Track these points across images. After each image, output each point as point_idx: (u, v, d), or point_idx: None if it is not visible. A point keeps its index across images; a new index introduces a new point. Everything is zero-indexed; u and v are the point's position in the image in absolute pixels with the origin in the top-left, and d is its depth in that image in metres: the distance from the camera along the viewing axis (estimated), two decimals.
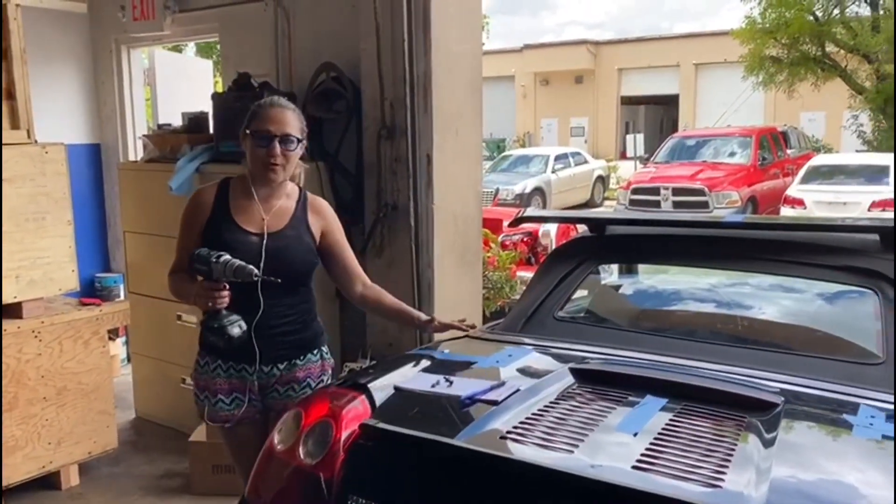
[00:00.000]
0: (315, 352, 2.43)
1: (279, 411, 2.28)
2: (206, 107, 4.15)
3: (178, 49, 10.25)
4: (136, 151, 5.27)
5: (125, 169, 4.44)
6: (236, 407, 2.34)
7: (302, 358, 2.39)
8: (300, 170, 2.41)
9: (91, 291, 5.18)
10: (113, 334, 4.74)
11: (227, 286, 2.13)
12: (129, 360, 4.96)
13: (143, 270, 4.20)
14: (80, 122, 5.32)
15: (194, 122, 4.15)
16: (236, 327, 2.14)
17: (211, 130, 4.02)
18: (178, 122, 4.42)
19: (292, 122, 2.26)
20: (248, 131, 2.26)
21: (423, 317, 2.57)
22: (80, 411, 3.52)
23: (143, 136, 4.59)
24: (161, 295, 4.01)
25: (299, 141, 2.28)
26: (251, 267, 2.10)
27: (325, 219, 2.42)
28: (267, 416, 2.39)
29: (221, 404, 2.34)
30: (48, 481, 3.49)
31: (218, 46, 5.46)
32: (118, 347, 5.12)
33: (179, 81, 5.60)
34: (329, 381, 2.43)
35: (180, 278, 2.31)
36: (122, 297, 5.16)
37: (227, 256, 2.12)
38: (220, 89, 5.15)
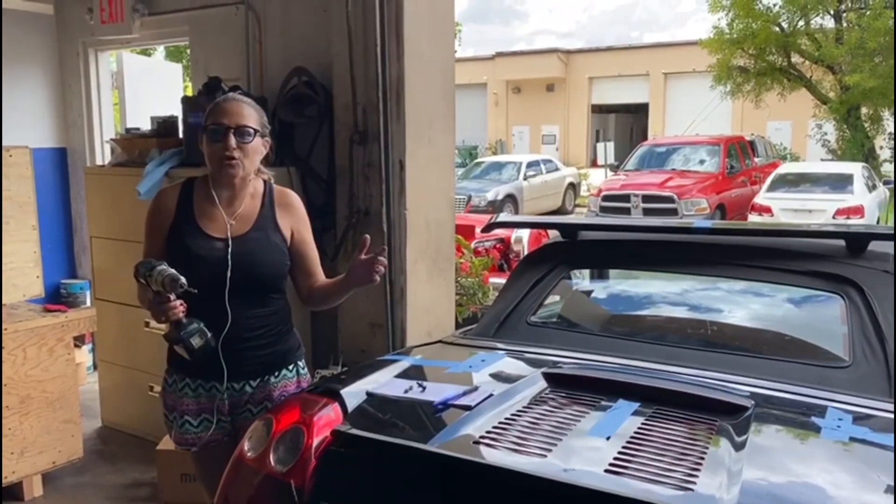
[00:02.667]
0: (290, 367, 2.29)
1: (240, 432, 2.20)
2: (176, 111, 4.09)
3: (146, 53, 10.14)
4: (103, 156, 5.19)
5: (92, 173, 4.36)
6: (204, 429, 2.22)
7: (276, 374, 2.25)
8: (267, 177, 2.28)
9: (57, 298, 5.08)
10: (79, 341, 4.65)
11: (172, 297, 1.98)
12: (95, 367, 4.87)
13: (111, 276, 4.13)
14: (46, 125, 5.23)
15: (163, 126, 4.09)
16: (197, 337, 2.01)
17: (181, 135, 3.97)
18: (146, 126, 4.36)
19: (248, 113, 2.12)
20: (202, 131, 2.14)
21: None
22: (45, 420, 3.44)
23: (111, 139, 4.52)
24: (128, 301, 3.94)
25: (256, 132, 2.13)
26: (178, 276, 1.94)
27: (294, 215, 2.28)
28: (236, 437, 2.24)
29: (188, 426, 2.21)
30: (10, 492, 3.40)
31: (188, 50, 5.40)
32: (84, 355, 5.03)
33: (148, 85, 5.53)
34: None
35: (142, 288, 2.14)
36: (88, 303, 5.07)
37: (163, 266, 1.97)
38: (189, 93, 5.08)
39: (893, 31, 14.45)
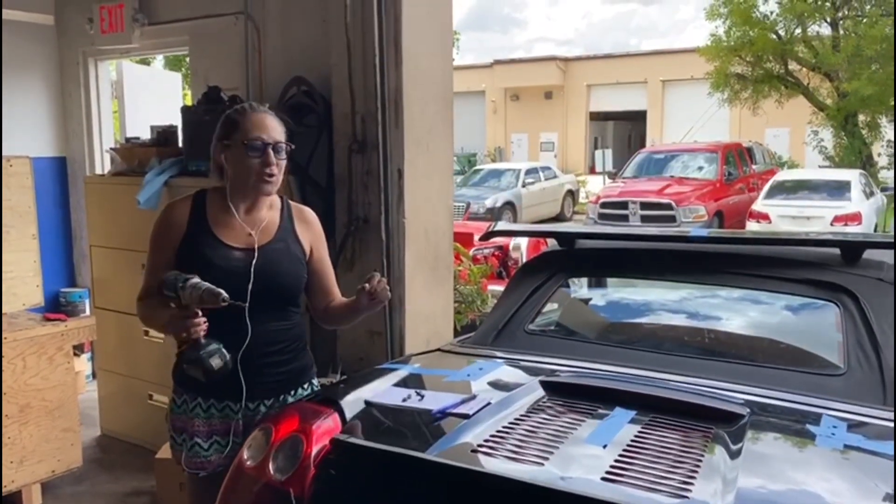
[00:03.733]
0: (306, 386, 2.21)
1: None
2: (175, 120, 4.11)
3: (145, 62, 10.17)
4: (103, 165, 5.20)
5: (92, 182, 4.38)
6: (215, 452, 2.11)
7: (293, 393, 2.17)
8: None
9: (56, 307, 5.09)
10: (78, 350, 4.66)
11: (200, 312, 1.91)
12: (94, 376, 4.87)
13: (110, 285, 4.14)
14: (46, 134, 5.25)
15: (163, 136, 4.11)
16: (217, 358, 1.90)
17: (180, 144, 3.99)
18: (146, 135, 4.38)
19: (280, 127, 2.08)
20: (226, 142, 2.05)
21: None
22: (44, 429, 3.45)
23: (111, 149, 4.54)
24: (128, 310, 3.94)
25: (286, 147, 2.09)
26: (220, 290, 1.86)
27: (313, 231, 2.23)
28: None
29: (198, 448, 2.11)
30: (10, 501, 3.40)
31: (187, 59, 5.43)
32: (83, 363, 5.03)
33: (148, 94, 5.55)
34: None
35: (151, 305, 2.07)
36: (87, 312, 5.08)
37: (196, 280, 1.88)
38: (189, 102, 5.11)
39: (893, 38, 14.49)
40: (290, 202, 2.24)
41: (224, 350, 1.93)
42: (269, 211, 2.16)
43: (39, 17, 5.03)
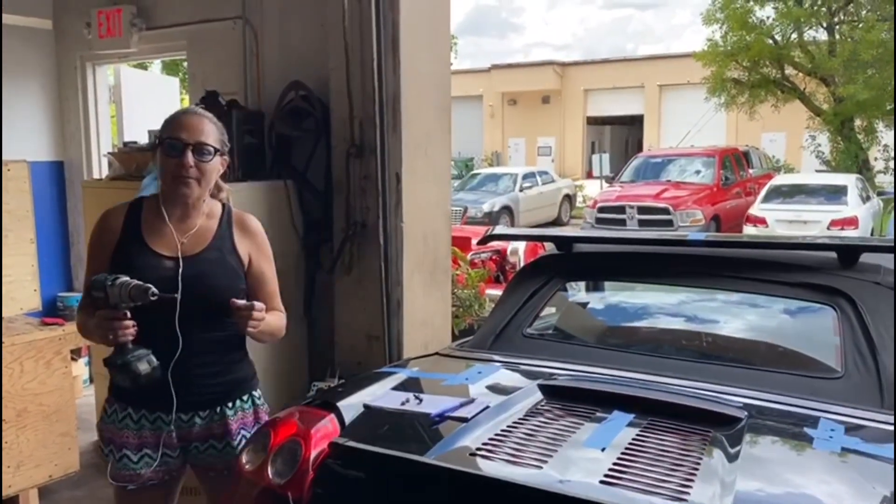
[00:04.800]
0: (246, 397, 2.13)
1: (205, 471, 2.12)
2: None
3: (143, 66, 10.17)
4: (100, 169, 5.20)
5: (89, 187, 4.37)
6: (144, 466, 2.04)
7: (231, 405, 2.09)
8: (226, 193, 2.15)
9: (53, 311, 5.09)
10: (75, 355, 4.65)
11: (131, 315, 1.85)
12: (91, 380, 4.86)
13: None
14: (44, 139, 5.25)
15: None
16: (144, 362, 1.85)
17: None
18: (144, 139, 4.38)
19: (209, 130, 1.99)
20: (157, 142, 2.00)
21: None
22: (41, 434, 3.44)
23: (109, 153, 4.54)
24: None
25: (216, 152, 2.00)
26: (148, 285, 1.81)
27: (254, 241, 2.14)
28: (180, 477, 2.15)
29: (126, 461, 2.03)
30: None
31: (184, 64, 5.44)
32: (80, 368, 5.02)
33: (146, 99, 5.55)
34: None
35: (86, 312, 1.99)
36: None
37: (125, 278, 1.83)
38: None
39: (893, 43, 14.54)
40: (233, 210, 2.16)
41: (152, 356, 1.88)
42: (207, 219, 2.07)
43: (38, 22, 5.03)
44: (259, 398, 2.18)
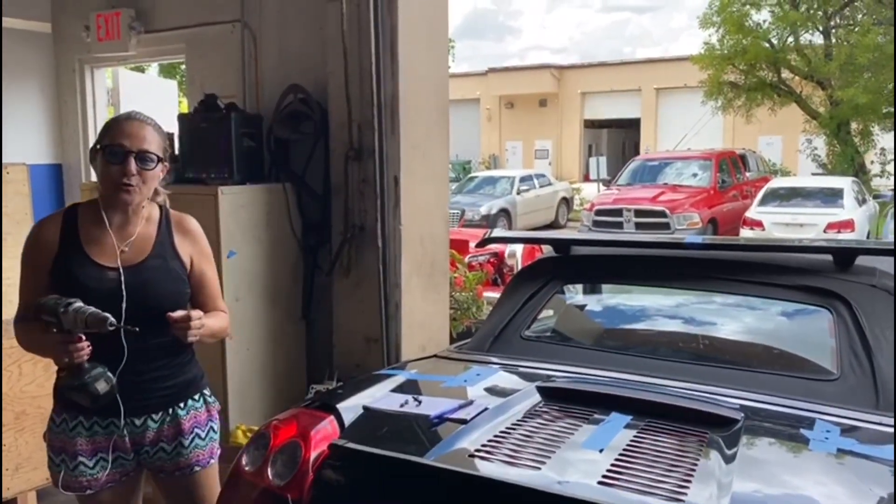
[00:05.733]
0: (197, 397, 2.13)
1: (156, 473, 2.13)
2: (171, 128, 4.12)
3: (140, 69, 10.17)
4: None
5: (87, 189, 4.37)
6: (101, 469, 2.04)
7: (182, 406, 2.09)
8: (163, 197, 2.11)
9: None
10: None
11: (84, 337, 1.83)
12: None
13: None
14: (42, 141, 5.26)
15: None
16: (102, 382, 1.85)
17: (176, 152, 3.99)
18: None
19: (151, 137, 1.97)
20: (97, 147, 1.96)
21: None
22: (39, 436, 3.40)
23: None
24: None
25: (160, 160, 1.98)
26: (106, 315, 1.80)
27: (194, 242, 2.12)
28: (138, 478, 2.15)
29: (83, 468, 2.02)
30: None
31: (182, 66, 5.44)
32: None
33: (144, 102, 5.54)
34: (218, 429, 2.20)
35: (30, 328, 1.95)
36: None
37: (79, 304, 1.81)
38: (184, 110, 5.12)
39: (893, 46, 14.58)
40: (171, 212, 2.13)
41: (108, 373, 1.88)
42: (146, 225, 2.05)
43: (36, 25, 5.04)
44: (210, 395, 2.19)
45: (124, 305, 1.91)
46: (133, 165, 1.92)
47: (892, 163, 18.26)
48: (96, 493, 2.06)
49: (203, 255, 2.14)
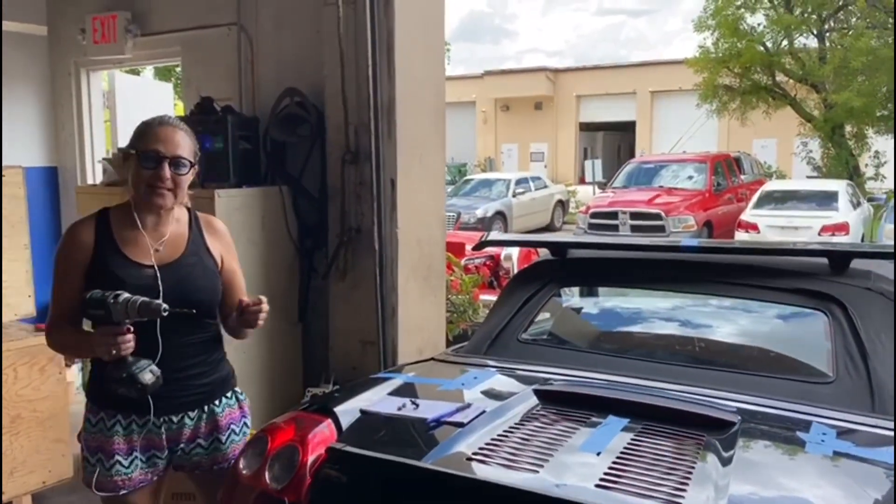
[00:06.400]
0: (230, 394, 2.19)
1: (192, 471, 2.15)
2: None
3: (135, 72, 10.16)
4: (94, 175, 5.20)
5: (83, 192, 4.37)
6: (136, 469, 2.07)
7: (217, 403, 2.14)
8: (188, 198, 2.16)
9: (46, 317, 5.06)
10: (69, 361, 4.63)
11: (131, 329, 1.87)
12: (84, 387, 4.84)
13: None
14: (37, 144, 5.24)
15: None
16: (148, 373, 1.88)
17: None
18: None
19: (184, 143, 2.03)
20: (132, 151, 2.02)
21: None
22: (35, 440, 3.43)
23: (104, 159, 4.53)
24: None
25: (191, 165, 2.04)
26: (158, 301, 1.86)
27: (223, 241, 2.21)
28: (165, 478, 2.16)
29: (119, 467, 2.05)
30: None
31: (177, 69, 5.43)
32: (74, 374, 5.00)
33: (139, 104, 5.55)
34: (250, 424, 2.25)
35: (67, 332, 2.02)
36: None
37: (127, 294, 1.86)
38: (180, 113, 5.12)
39: (893, 49, 14.61)
40: (199, 213, 2.21)
41: (154, 365, 1.92)
42: (177, 225, 2.12)
43: (32, 28, 5.03)
44: (241, 393, 2.24)
45: (168, 306, 1.93)
46: (167, 171, 1.98)
47: (888, 165, 18.34)
48: (128, 493, 2.09)
49: (231, 254, 2.22)
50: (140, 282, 1.97)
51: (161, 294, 1.97)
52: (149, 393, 1.91)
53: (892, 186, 15.22)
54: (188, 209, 2.18)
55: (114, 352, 1.86)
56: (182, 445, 2.11)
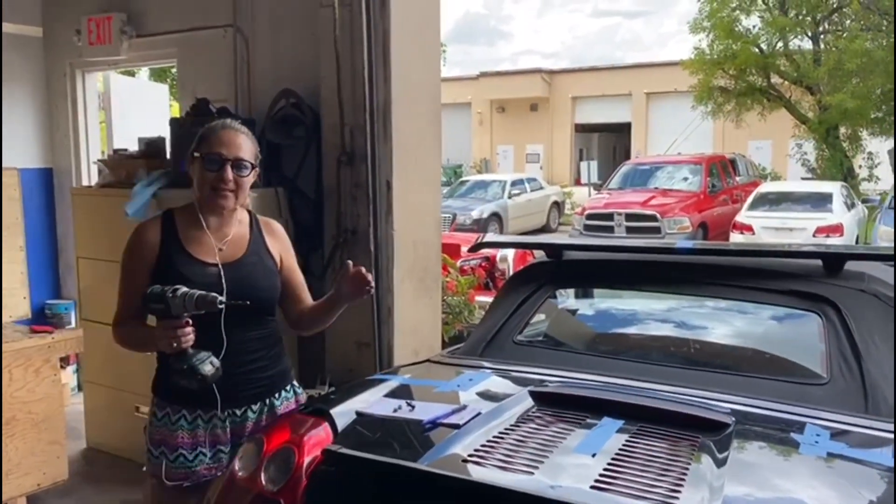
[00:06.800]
0: (288, 388, 2.28)
1: None
2: (162, 131, 4.12)
3: (130, 73, 10.15)
4: (89, 176, 5.19)
5: (79, 194, 4.36)
6: (200, 463, 2.13)
7: (278, 396, 2.23)
8: (248, 199, 2.27)
9: (41, 319, 5.05)
10: (63, 362, 4.62)
11: (191, 322, 1.94)
12: (80, 388, 4.84)
13: (97, 297, 4.12)
14: (32, 146, 5.23)
15: (151, 147, 4.11)
16: (208, 364, 1.95)
17: (168, 156, 3.99)
18: (133, 146, 4.38)
19: (245, 145, 2.12)
20: (195, 154, 2.11)
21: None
22: (30, 442, 3.42)
23: (99, 160, 4.53)
24: None
25: (253, 167, 2.12)
26: (213, 294, 1.93)
27: (281, 242, 2.31)
28: None
29: (182, 459, 2.12)
30: None
31: (173, 70, 5.43)
32: (69, 376, 4.99)
33: (135, 106, 5.54)
34: None
35: (131, 327, 2.12)
36: (73, 324, 5.05)
37: (184, 289, 1.93)
38: (176, 114, 5.12)
39: (893, 51, 14.66)
40: (259, 216, 2.30)
41: (213, 357, 1.97)
42: (239, 226, 2.20)
43: (28, 29, 5.02)
44: (298, 387, 2.33)
45: (224, 299, 2.01)
46: (229, 173, 2.07)
47: (882, 166, 18.39)
48: (191, 486, 2.13)
49: (289, 253, 2.32)
50: (204, 279, 2.05)
51: (224, 291, 2.04)
52: (209, 384, 1.97)
53: (887, 188, 15.29)
54: (249, 212, 2.27)
55: (174, 344, 1.93)
56: (244, 439, 2.15)
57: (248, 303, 2.00)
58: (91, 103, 5.33)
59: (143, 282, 2.06)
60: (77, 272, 4.28)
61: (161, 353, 2.09)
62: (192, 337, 1.94)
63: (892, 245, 9.17)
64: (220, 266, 2.11)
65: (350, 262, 2.16)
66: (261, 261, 2.20)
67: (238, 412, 2.15)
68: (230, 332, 2.06)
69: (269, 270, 2.21)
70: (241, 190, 2.12)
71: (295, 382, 2.34)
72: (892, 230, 9.93)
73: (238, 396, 2.14)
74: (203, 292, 1.93)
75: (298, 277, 2.33)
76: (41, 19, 5.14)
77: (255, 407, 2.18)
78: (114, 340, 2.18)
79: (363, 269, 2.12)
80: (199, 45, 4.30)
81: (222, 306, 1.93)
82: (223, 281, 2.08)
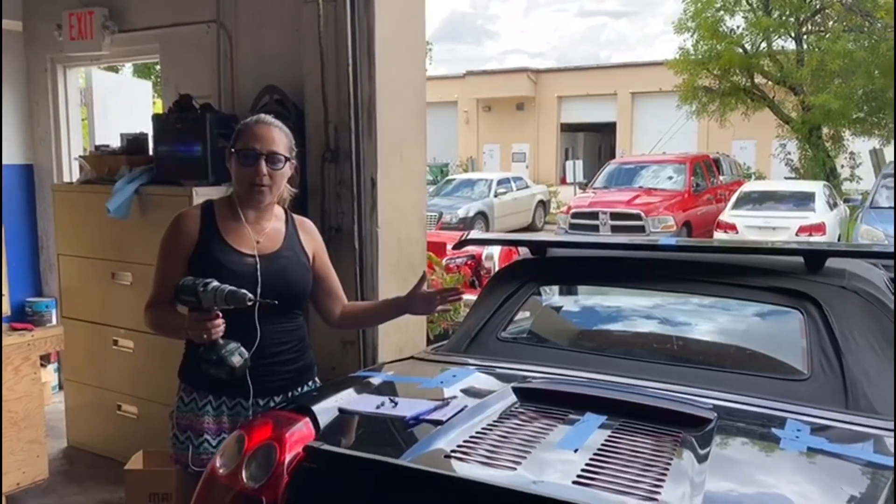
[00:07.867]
0: (311, 382, 2.34)
1: None
2: (145, 128, 4.08)
3: (114, 69, 10.06)
4: (71, 173, 5.14)
5: (60, 190, 4.33)
6: None
7: (300, 389, 2.29)
8: (287, 193, 2.32)
9: (21, 316, 5.00)
10: (44, 360, 4.58)
11: (221, 314, 1.99)
12: (60, 387, 4.79)
13: (78, 294, 4.08)
14: (12, 142, 5.16)
15: (134, 144, 4.08)
16: (237, 355, 2.00)
17: (151, 152, 3.96)
18: (116, 143, 4.34)
19: (279, 139, 2.17)
20: (231, 150, 2.17)
21: (404, 296, 2.38)
22: (9, 441, 3.39)
23: (80, 157, 4.48)
24: (97, 319, 3.90)
25: (287, 160, 2.18)
26: (243, 291, 1.96)
27: (314, 240, 2.38)
28: None
29: (206, 445, 2.17)
30: None
31: (156, 66, 5.38)
32: (49, 374, 4.95)
33: (117, 102, 5.50)
34: None
35: (164, 311, 2.18)
36: (54, 322, 5.00)
37: (216, 283, 1.97)
38: (159, 110, 5.06)
39: (894, 51, 14.77)
40: (294, 215, 2.37)
41: (242, 348, 2.02)
42: (275, 221, 2.28)
43: (7, 24, 4.95)
44: (319, 382, 2.38)
45: (259, 290, 2.09)
46: (264, 166, 2.13)
47: (864, 166, 18.57)
48: None
49: (323, 251, 2.40)
50: (240, 269, 2.13)
51: (259, 282, 2.12)
52: (237, 375, 2.01)
53: (868, 188, 15.42)
54: (285, 210, 2.33)
55: (205, 336, 1.98)
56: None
57: (276, 302, 2.05)
58: (73, 99, 5.27)
59: (179, 268, 2.14)
60: (58, 270, 4.24)
61: (189, 341, 2.16)
62: (221, 329, 1.99)
63: (872, 243, 9.26)
64: (256, 257, 2.17)
65: (433, 279, 2.20)
66: (295, 255, 2.26)
67: (262, 402, 2.20)
68: (262, 323, 2.12)
69: (302, 265, 2.28)
70: (276, 182, 2.17)
71: (317, 378, 2.39)
72: (873, 229, 10.03)
73: (265, 387, 2.19)
74: (233, 288, 1.96)
75: (332, 273, 2.40)
76: (21, 13, 5.08)
77: (277, 398, 2.23)
78: (144, 322, 2.23)
79: (441, 295, 2.29)
80: (182, 40, 4.27)
81: (251, 303, 1.96)
82: (258, 272, 2.15)
